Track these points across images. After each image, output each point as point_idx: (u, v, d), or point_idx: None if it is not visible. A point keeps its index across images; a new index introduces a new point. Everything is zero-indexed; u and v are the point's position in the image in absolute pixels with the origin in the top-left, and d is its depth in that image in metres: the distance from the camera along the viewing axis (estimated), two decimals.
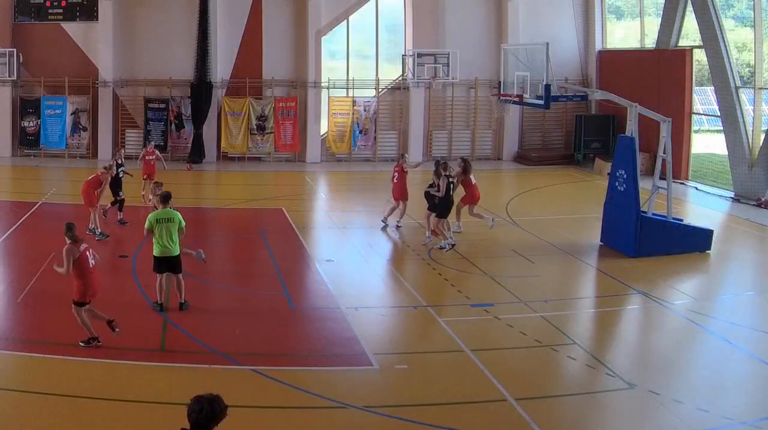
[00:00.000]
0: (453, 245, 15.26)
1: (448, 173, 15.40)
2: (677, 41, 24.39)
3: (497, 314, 11.64)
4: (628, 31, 28.41)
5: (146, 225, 11.34)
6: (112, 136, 26.67)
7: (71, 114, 26.69)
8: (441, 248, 15.25)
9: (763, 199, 20.37)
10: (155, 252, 11.33)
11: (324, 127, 27.61)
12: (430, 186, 15.61)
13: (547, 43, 16.99)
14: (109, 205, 16.84)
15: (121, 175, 16.85)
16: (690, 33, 24.10)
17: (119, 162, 17.02)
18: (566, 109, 27.96)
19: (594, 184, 23.31)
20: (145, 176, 18.57)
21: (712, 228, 15.98)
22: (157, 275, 11.38)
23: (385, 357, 10.05)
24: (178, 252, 11.33)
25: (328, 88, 27.55)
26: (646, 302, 12.52)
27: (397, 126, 28.00)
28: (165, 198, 11.50)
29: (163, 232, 11.20)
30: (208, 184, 24.54)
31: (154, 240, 11.32)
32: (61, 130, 26.54)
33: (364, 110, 27.53)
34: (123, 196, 16.85)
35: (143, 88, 26.75)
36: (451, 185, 15.43)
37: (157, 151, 19.70)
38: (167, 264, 11.31)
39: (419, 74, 26.59)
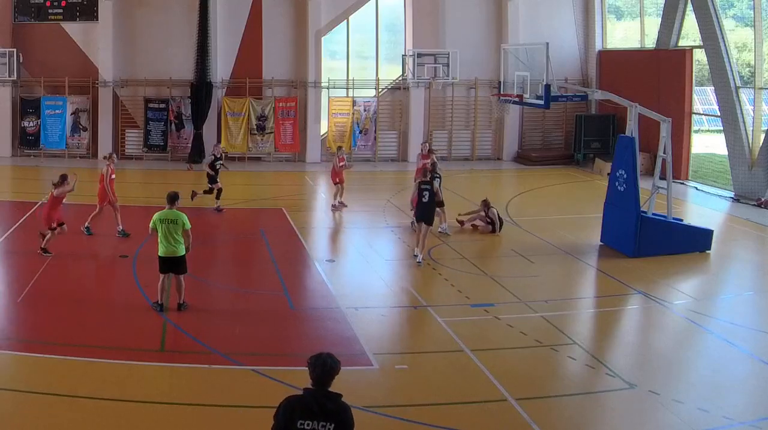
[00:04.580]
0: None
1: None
2: (677, 41, 24.40)
3: (497, 314, 11.65)
4: (628, 31, 28.41)
5: (150, 224, 11.34)
6: (112, 136, 26.68)
7: (71, 114, 26.68)
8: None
9: (763, 199, 20.38)
10: (159, 252, 11.33)
11: (324, 127, 27.61)
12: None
13: (547, 43, 17.01)
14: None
15: (218, 167, 18.53)
16: (690, 33, 24.10)
17: (217, 155, 18.70)
18: (566, 109, 27.98)
19: (594, 184, 23.32)
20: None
21: (712, 228, 16.00)
22: (160, 275, 11.38)
23: (385, 357, 10.05)
24: (182, 253, 11.30)
25: (328, 88, 27.54)
26: (646, 302, 12.52)
27: (397, 126, 28.00)
28: (172, 198, 11.36)
29: (166, 232, 11.17)
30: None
31: (158, 240, 11.33)
32: (61, 130, 26.53)
33: (364, 110, 27.52)
34: (220, 186, 18.58)
35: (143, 88, 26.74)
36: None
37: None
38: (170, 264, 11.29)
39: (419, 74, 26.61)
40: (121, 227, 15.74)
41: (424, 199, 14.43)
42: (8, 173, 24.24)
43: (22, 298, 11.79)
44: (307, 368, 5.33)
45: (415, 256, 14.51)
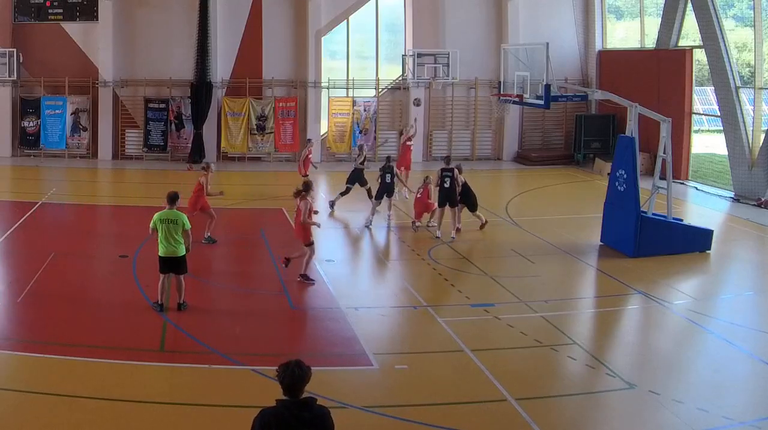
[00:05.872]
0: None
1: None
2: (677, 41, 24.40)
3: (497, 314, 11.65)
4: (628, 31, 28.42)
5: (150, 224, 11.34)
6: (112, 136, 26.69)
7: (71, 114, 26.68)
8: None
9: (763, 199, 20.37)
10: (159, 252, 11.32)
11: (324, 127, 27.62)
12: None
13: (547, 43, 17.00)
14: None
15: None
16: (690, 33, 24.11)
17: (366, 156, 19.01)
18: (566, 109, 27.98)
19: (594, 184, 23.32)
20: None
21: (712, 228, 15.99)
22: (160, 275, 11.38)
23: (385, 357, 10.06)
24: (182, 253, 11.30)
25: (328, 88, 27.55)
26: (646, 302, 12.52)
27: (397, 126, 27.97)
28: (172, 198, 11.37)
29: (166, 232, 11.17)
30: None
31: (158, 240, 11.32)
32: (61, 130, 26.53)
33: (364, 110, 27.53)
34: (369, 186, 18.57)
35: (143, 88, 26.74)
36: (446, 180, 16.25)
37: None
38: (170, 264, 11.29)
39: (419, 74, 26.62)
40: (209, 234, 15.41)
41: (446, 185, 16.07)
42: (8, 173, 24.22)
43: (22, 298, 11.78)
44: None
45: (438, 236, 16.16)
